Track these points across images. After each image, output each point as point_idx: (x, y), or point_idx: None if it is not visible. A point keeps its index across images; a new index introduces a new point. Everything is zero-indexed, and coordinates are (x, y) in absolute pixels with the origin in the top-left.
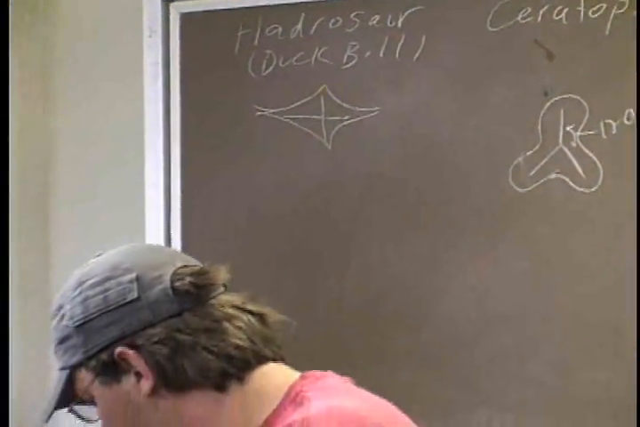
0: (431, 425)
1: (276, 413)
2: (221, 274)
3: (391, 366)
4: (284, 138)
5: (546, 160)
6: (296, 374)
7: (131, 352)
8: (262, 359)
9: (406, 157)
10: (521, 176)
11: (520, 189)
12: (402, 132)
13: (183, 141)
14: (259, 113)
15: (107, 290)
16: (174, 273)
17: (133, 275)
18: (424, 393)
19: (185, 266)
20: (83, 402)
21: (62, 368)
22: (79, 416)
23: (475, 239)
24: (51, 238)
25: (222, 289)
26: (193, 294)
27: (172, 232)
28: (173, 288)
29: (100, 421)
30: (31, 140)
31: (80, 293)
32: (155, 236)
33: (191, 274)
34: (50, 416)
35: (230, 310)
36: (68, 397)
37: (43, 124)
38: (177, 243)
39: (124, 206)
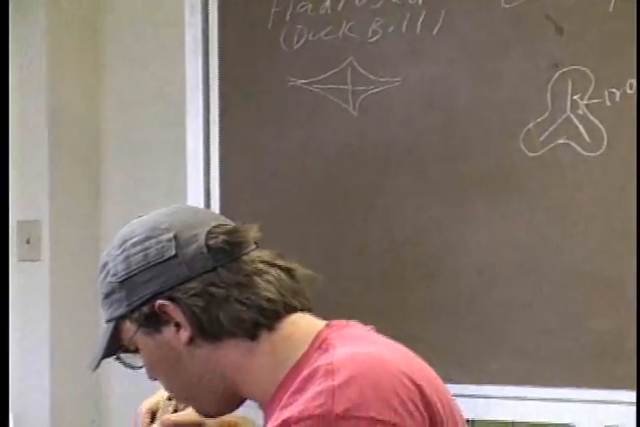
0: (447, 372)
1: (304, 359)
2: (252, 232)
3: (409, 315)
4: (314, 106)
5: (554, 126)
6: (322, 323)
7: (170, 305)
8: (291, 310)
9: (425, 123)
10: (531, 141)
11: (530, 153)
12: (421, 101)
13: (221, 110)
14: (290, 83)
15: (147, 248)
16: (209, 232)
17: (171, 234)
18: (440, 341)
19: (219, 225)
20: (128, 351)
21: (108, 320)
22: (125, 364)
23: (488, 199)
24: (101, 201)
25: (253, 246)
26: (226, 251)
27: (211, 195)
28: (208, 246)
29: (143, 368)
30: (81, 109)
31: (123, 251)
32: (195, 198)
33: (224, 233)
34: (98, 365)
35: (260, 266)
36: (115, 346)
37: (93, 93)
38: (215, 205)
39: (166, 171)
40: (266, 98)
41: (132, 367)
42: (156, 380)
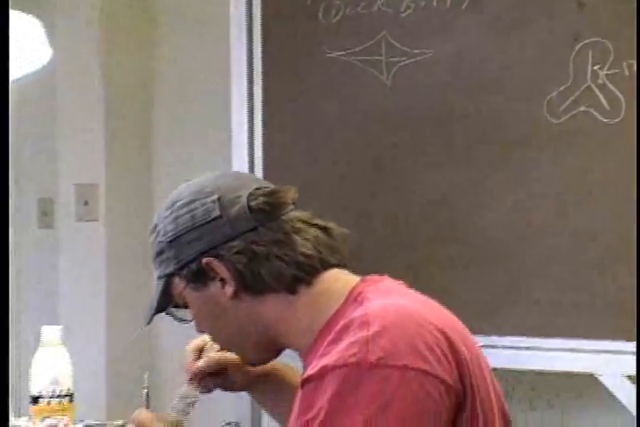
0: (474, 323)
1: (340, 312)
2: (290, 194)
3: (438, 271)
4: (351, 76)
5: (576, 95)
6: (357, 278)
7: (215, 262)
8: (327, 266)
9: (455, 92)
10: (554, 109)
11: (553, 120)
12: (451, 71)
13: (264, 80)
14: (328, 55)
15: (193, 210)
16: (250, 194)
17: (215, 196)
18: (468, 295)
19: (260, 188)
20: (178, 306)
21: (159, 278)
22: (175, 318)
23: (515, 163)
24: (153, 166)
25: (292, 207)
26: (266, 212)
27: (254, 164)
28: (249, 207)
29: (193, 321)
30: (135, 80)
31: (171, 213)
32: (239, 166)
33: (264, 194)
34: (151, 319)
35: (299, 224)
36: (166, 302)
37: (145, 66)
38: (259, 169)
39: (212, 141)
40: (305, 69)
41: (182, 321)
42: (203, 332)
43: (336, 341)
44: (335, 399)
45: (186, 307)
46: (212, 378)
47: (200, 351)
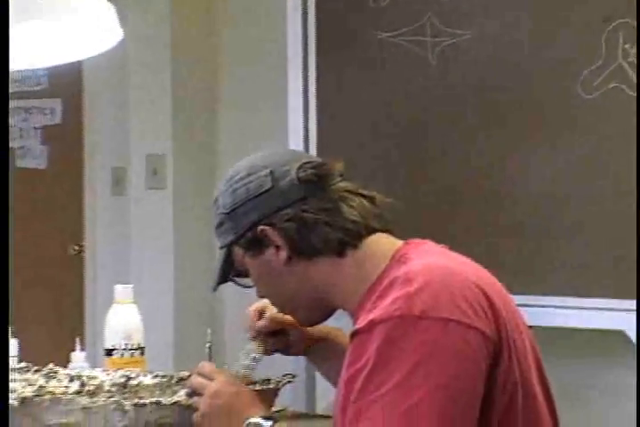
0: (511, 284)
1: (385, 272)
2: (337, 166)
3: (479, 235)
4: (398, 55)
5: (607, 72)
6: (400, 242)
7: (269, 230)
8: (372, 231)
9: (493, 70)
10: (587, 85)
11: (587, 96)
12: (490, 50)
13: (318, 59)
14: (378, 36)
15: (248, 183)
16: (299, 167)
17: (268, 170)
18: (506, 257)
19: (308, 162)
20: (240, 275)
21: (221, 248)
22: (239, 285)
23: (551, 135)
24: (217, 139)
25: (339, 178)
26: (314, 182)
27: (309, 133)
28: (299, 178)
29: (254, 286)
30: (200, 58)
31: (229, 187)
32: (296, 143)
33: (312, 167)
34: (216, 287)
35: (345, 194)
36: (229, 270)
37: (210, 44)
38: (313, 143)
39: (270, 117)
40: (357, 50)
41: (244, 287)
42: (263, 297)
43: (382, 297)
44: (382, 350)
45: (247, 275)
46: (272, 338)
47: (261, 313)
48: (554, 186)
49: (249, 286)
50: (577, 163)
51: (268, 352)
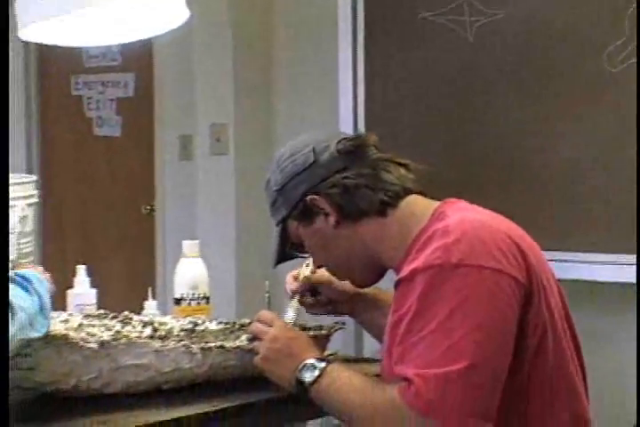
0: (541, 241)
1: (425, 229)
2: (372, 138)
3: (512, 197)
4: (439, 33)
5: (630, 48)
6: (437, 201)
7: (317, 198)
8: (410, 192)
9: (526, 47)
10: (612, 60)
11: (612, 69)
12: (523, 28)
13: (366, 38)
14: (420, 15)
15: (294, 160)
16: (338, 141)
17: (310, 147)
18: (536, 217)
19: (346, 137)
20: (297, 248)
21: (277, 224)
22: (297, 256)
23: (578, 106)
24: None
25: (374, 149)
26: (352, 152)
27: (358, 106)
28: (338, 151)
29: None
30: (257, 35)
31: (278, 166)
32: (345, 118)
33: (349, 140)
34: (277, 262)
35: (381, 162)
36: (286, 244)
37: (267, 21)
38: (361, 113)
39: (321, 92)
40: (401, 29)
41: (303, 257)
42: (320, 266)
43: (422, 249)
44: (424, 296)
45: (303, 248)
46: (310, 296)
47: (295, 278)
48: (577, 154)
49: (306, 257)
50: (602, 131)
51: (309, 309)
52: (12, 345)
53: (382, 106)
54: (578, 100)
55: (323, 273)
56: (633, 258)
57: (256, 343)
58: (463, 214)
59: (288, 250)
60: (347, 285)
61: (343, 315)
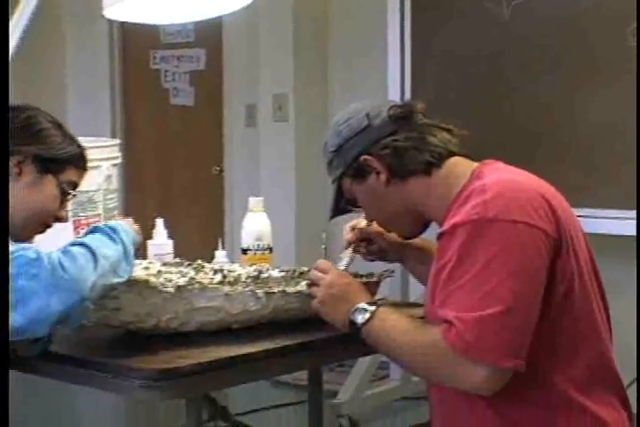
0: (570, 198)
1: (465, 187)
2: (419, 105)
3: (544, 157)
4: (478, 11)
5: None
6: (477, 162)
7: (369, 158)
8: (453, 154)
9: (558, 23)
10: (634, 35)
11: (633, 44)
12: (553, 6)
13: (413, 16)
14: None
15: (350, 124)
16: (389, 107)
17: (364, 112)
18: (565, 177)
19: (396, 104)
20: (350, 203)
21: (333, 182)
22: (350, 211)
23: (605, 76)
24: (329, 82)
25: (421, 115)
26: (402, 118)
27: (405, 77)
28: (389, 116)
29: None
30: (315, 12)
31: (335, 129)
32: (393, 79)
33: (400, 106)
34: (332, 216)
35: (427, 126)
36: (341, 200)
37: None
38: (408, 82)
39: (372, 60)
40: (444, 7)
41: (356, 211)
42: (372, 221)
43: (462, 205)
44: (463, 247)
45: (356, 204)
46: (364, 245)
47: (353, 228)
48: (602, 119)
49: (359, 212)
50: (625, 99)
51: (363, 257)
52: (95, 291)
53: (426, 77)
54: (604, 70)
55: (377, 225)
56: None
57: (314, 288)
58: (499, 175)
59: (342, 205)
60: (396, 236)
61: (393, 262)
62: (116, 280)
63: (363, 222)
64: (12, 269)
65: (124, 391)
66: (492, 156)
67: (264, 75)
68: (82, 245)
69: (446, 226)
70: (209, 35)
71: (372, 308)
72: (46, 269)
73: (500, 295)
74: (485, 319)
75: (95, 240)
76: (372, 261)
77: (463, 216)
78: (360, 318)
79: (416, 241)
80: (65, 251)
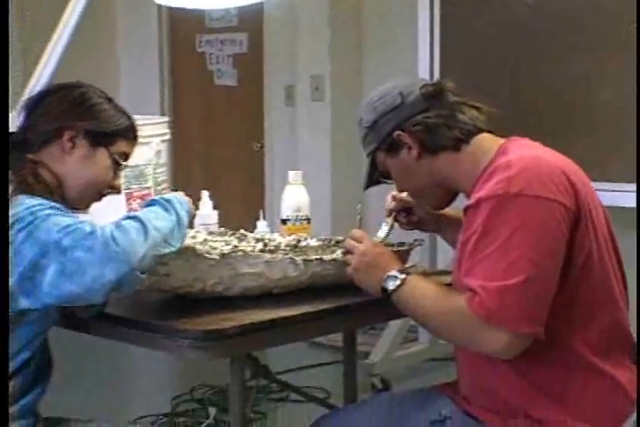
0: (590, 173)
1: (491, 162)
2: (450, 84)
3: (566, 132)
4: None
5: None
6: (503, 139)
7: (402, 134)
8: (481, 131)
9: (575, 7)
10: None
11: None
12: None
13: (442, 2)
14: None
15: (384, 102)
16: (421, 86)
17: (398, 91)
18: (585, 152)
19: (428, 83)
20: (383, 175)
21: (367, 155)
22: (383, 182)
23: (620, 57)
24: (363, 64)
25: (452, 93)
26: (433, 96)
27: (434, 57)
28: (422, 94)
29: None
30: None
31: (370, 106)
32: (423, 60)
33: (431, 85)
34: (366, 187)
35: (458, 104)
36: (374, 172)
37: None
38: (436, 67)
39: (404, 46)
40: None
41: (388, 183)
42: (402, 191)
43: (487, 180)
44: (488, 220)
45: (388, 175)
46: (403, 216)
47: (394, 198)
48: (620, 90)
49: (391, 183)
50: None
51: (402, 226)
52: (145, 262)
53: (455, 59)
54: (619, 53)
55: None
56: None
57: (349, 256)
58: (523, 151)
59: (375, 177)
60: (446, 211)
61: (430, 232)
62: (167, 250)
63: (404, 193)
64: (68, 242)
65: (173, 351)
66: (516, 132)
67: (302, 57)
68: (134, 218)
69: (472, 200)
70: (251, 20)
71: (403, 275)
72: (100, 242)
73: (521, 266)
74: (508, 289)
75: (149, 213)
76: (410, 230)
77: (488, 191)
78: (391, 285)
79: (451, 212)
80: (118, 225)
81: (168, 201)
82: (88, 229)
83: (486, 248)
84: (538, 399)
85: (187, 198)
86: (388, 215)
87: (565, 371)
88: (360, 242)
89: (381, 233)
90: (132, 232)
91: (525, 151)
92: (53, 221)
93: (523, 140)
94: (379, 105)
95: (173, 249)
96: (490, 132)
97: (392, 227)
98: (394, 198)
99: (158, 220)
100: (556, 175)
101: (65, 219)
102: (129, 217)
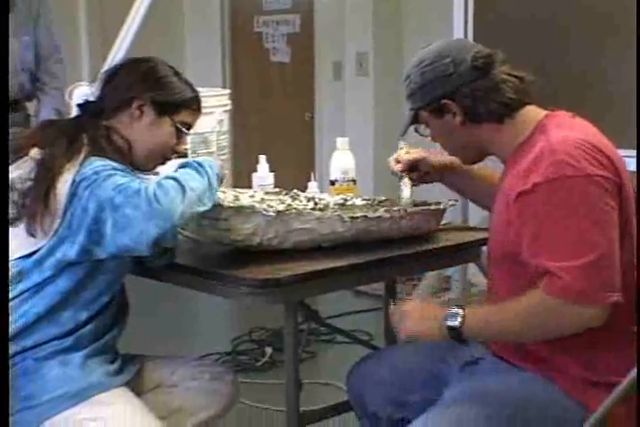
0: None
1: (530, 136)
2: (499, 55)
3: (595, 105)
4: None
5: None
6: (544, 113)
7: (450, 102)
8: (523, 104)
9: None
10: None
11: None
12: None
13: None
14: None
15: (435, 68)
16: (472, 57)
17: (450, 59)
18: (610, 127)
19: (478, 51)
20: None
21: (410, 109)
22: (420, 134)
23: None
24: (403, 40)
25: (499, 64)
26: (482, 68)
27: (467, 31)
28: (473, 65)
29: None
30: None
31: (419, 68)
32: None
33: (482, 57)
34: (403, 133)
35: (504, 76)
36: (414, 123)
37: None
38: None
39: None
40: None
41: (422, 135)
42: (445, 148)
43: (536, 165)
44: (548, 203)
45: (427, 126)
46: (411, 173)
47: (398, 161)
48: (625, 79)
49: (426, 136)
50: None
51: (414, 182)
52: (183, 218)
53: (488, 35)
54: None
55: (416, 152)
56: None
57: (399, 331)
58: (561, 132)
59: (416, 127)
60: (434, 158)
61: (435, 182)
62: (201, 209)
63: (402, 153)
64: (119, 200)
65: (234, 297)
66: (549, 102)
67: (348, 36)
68: (173, 179)
69: (526, 186)
70: (303, 2)
71: (459, 309)
72: (145, 200)
73: (593, 242)
74: (587, 266)
75: (185, 174)
76: (417, 186)
77: (542, 176)
78: (457, 322)
79: (444, 160)
80: (159, 184)
81: (200, 164)
82: (136, 186)
83: (552, 230)
84: (568, 360)
85: (218, 162)
86: (401, 177)
87: (609, 335)
88: (394, 316)
89: (406, 193)
90: (171, 191)
91: (563, 132)
92: (112, 181)
93: (560, 118)
94: (428, 70)
95: (206, 208)
96: (531, 103)
97: (412, 188)
98: (396, 162)
99: (194, 181)
100: (598, 153)
101: (120, 179)
102: (168, 177)
